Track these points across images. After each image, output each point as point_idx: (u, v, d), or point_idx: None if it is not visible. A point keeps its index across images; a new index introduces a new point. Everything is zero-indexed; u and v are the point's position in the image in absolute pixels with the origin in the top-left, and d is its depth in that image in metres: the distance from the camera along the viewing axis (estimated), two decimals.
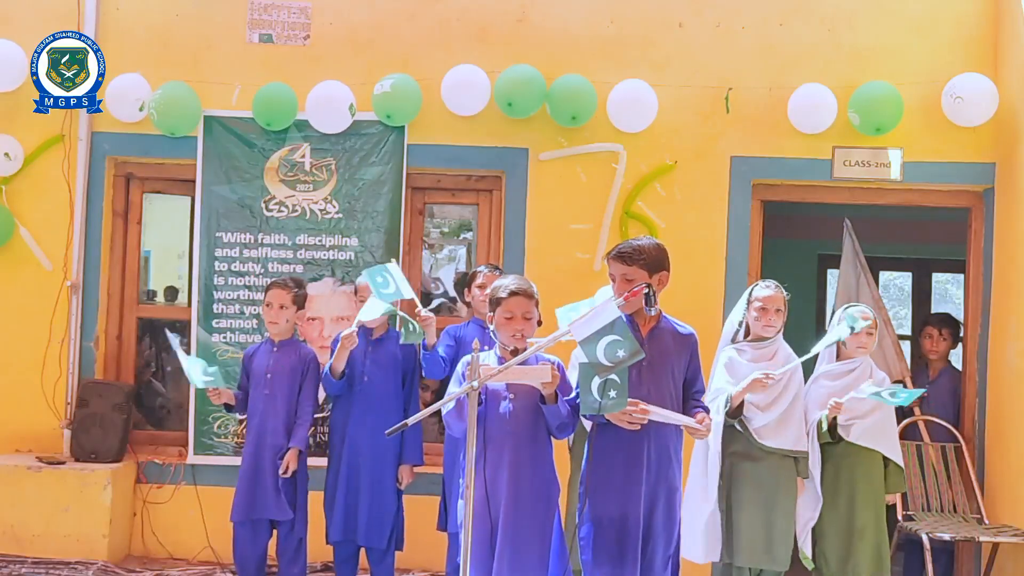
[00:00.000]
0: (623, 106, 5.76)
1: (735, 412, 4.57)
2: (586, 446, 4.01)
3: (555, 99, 5.78)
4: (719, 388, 4.65)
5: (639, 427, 3.82)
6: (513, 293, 3.87)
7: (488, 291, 4.08)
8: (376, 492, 5.00)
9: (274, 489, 4.98)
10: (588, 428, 4.04)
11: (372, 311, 4.83)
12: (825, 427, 4.69)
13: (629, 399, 3.76)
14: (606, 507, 3.89)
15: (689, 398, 4.04)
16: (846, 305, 5.09)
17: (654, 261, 3.96)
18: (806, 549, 4.75)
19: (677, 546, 4.05)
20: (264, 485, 4.98)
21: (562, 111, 5.79)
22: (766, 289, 4.75)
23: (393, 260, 5.14)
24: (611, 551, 3.86)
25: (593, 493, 3.93)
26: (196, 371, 4.88)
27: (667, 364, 3.99)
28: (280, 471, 4.97)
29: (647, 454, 3.90)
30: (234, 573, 5.51)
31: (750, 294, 4.82)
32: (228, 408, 5.11)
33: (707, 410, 4.09)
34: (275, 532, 5.09)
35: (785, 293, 4.76)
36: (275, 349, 5.11)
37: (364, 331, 5.13)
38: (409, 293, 4.93)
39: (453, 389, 3.92)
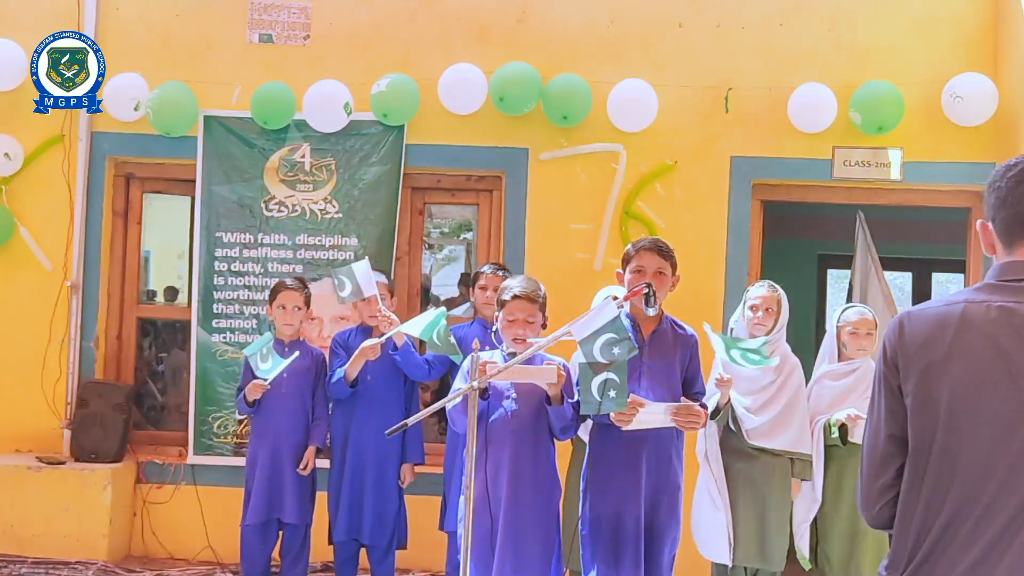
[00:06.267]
0: (623, 106, 5.75)
1: (714, 413, 4.56)
2: (586, 447, 4.02)
3: (549, 98, 5.78)
4: (711, 391, 4.64)
5: (628, 421, 3.80)
6: (516, 296, 3.89)
7: (491, 292, 4.07)
8: (379, 491, 5.00)
9: (294, 491, 4.98)
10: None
11: (413, 327, 4.86)
12: (836, 433, 4.68)
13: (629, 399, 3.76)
14: (603, 507, 3.90)
15: (689, 398, 4.03)
16: (846, 305, 5.09)
17: (676, 262, 4.04)
18: (803, 549, 4.75)
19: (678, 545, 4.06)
20: (284, 487, 4.98)
21: (554, 110, 5.78)
22: (759, 288, 4.77)
23: (367, 259, 5.17)
24: (606, 551, 3.87)
25: (592, 493, 3.93)
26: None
27: (668, 365, 3.99)
28: (299, 468, 4.98)
29: (646, 455, 3.91)
30: (235, 574, 5.51)
31: (746, 293, 4.83)
32: (248, 404, 5.06)
33: (707, 408, 4.09)
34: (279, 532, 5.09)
35: (780, 293, 4.76)
36: (286, 350, 5.10)
37: (364, 331, 5.13)
38: (371, 291, 4.96)
39: (459, 385, 3.93)
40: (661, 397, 3.92)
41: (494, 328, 3.98)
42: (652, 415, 3.84)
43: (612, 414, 3.79)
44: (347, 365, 4.92)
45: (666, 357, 3.99)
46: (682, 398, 3.98)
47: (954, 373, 2.11)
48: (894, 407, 2.19)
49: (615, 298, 3.81)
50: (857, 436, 4.70)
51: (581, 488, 4.01)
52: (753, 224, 5.99)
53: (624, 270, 4.02)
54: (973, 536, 2.06)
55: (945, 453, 2.11)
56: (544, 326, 3.95)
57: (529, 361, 3.75)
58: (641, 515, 3.88)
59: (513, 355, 3.85)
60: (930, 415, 2.13)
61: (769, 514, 4.61)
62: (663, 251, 3.98)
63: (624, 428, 3.82)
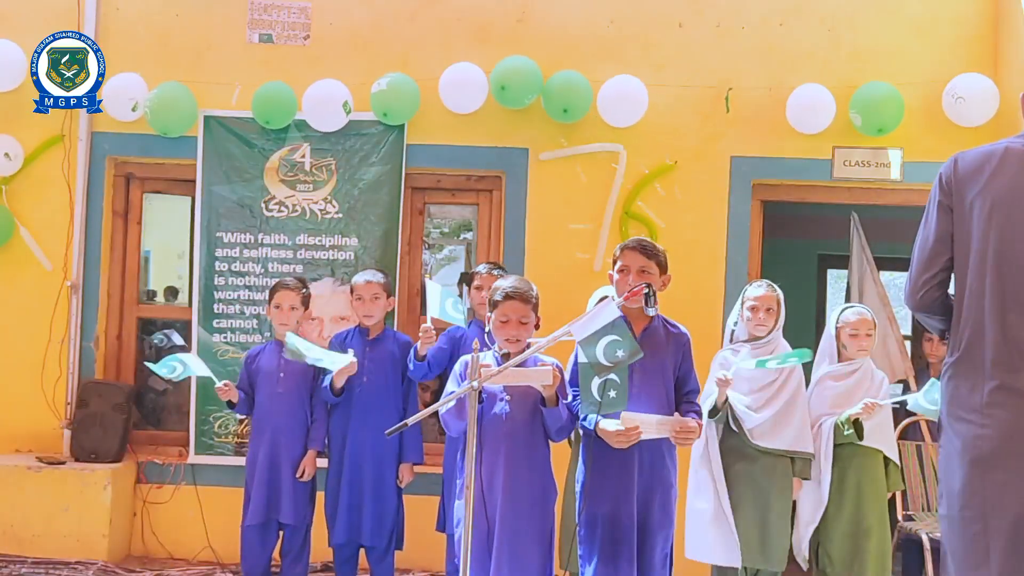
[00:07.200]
0: (613, 101, 5.74)
1: (712, 412, 4.57)
2: (581, 448, 4.01)
3: (549, 93, 5.77)
4: (709, 391, 4.63)
5: (629, 444, 3.78)
6: (508, 296, 3.85)
7: (486, 292, 4.04)
8: (378, 491, 5.00)
9: (291, 491, 4.97)
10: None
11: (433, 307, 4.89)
12: (849, 430, 4.67)
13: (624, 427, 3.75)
14: (599, 506, 3.89)
15: (682, 398, 3.99)
16: (843, 306, 5.08)
17: (664, 262, 4.00)
18: (805, 550, 4.74)
19: (672, 543, 4.05)
20: (282, 487, 4.97)
21: (555, 104, 5.77)
22: (758, 288, 4.76)
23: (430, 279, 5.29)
24: (605, 551, 3.86)
25: (587, 493, 3.93)
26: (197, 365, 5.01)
27: (660, 364, 3.96)
28: (297, 475, 4.97)
29: (639, 455, 3.89)
30: (235, 574, 5.52)
31: (744, 294, 4.82)
32: (230, 405, 5.10)
33: (700, 413, 4.04)
34: (280, 532, 5.09)
35: (778, 292, 4.75)
36: (284, 350, 5.10)
37: (361, 331, 5.13)
38: (433, 313, 5.00)
39: (452, 388, 3.92)
40: (654, 394, 3.90)
41: (487, 329, 3.96)
42: (647, 428, 3.82)
43: (610, 438, 3.77)
44: (332, 377, 4.90)
45: (658, 355, 3.95)
46: (676, 413, 3.94)
47: (996, 187, 2.92)
48: (942, 218, 3.03)
49: (604, 298, 3.79)
50: (871, 437, 4.71)
51: (577, 488, 4.00)
52: (753, 224, 5.99)
53: (613, 270, 4.02)
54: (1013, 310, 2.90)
55: (986, 247, 2.93)
56: (537, 326, 3.93)
57: (523, 363, 3.72)
58: (634, 514, 3.87)
59: (506, 356, 3.84)
60: (975, 221, 2.94)
61: (771, 515, 4.60)
62: (647, 250, 3.95)
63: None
